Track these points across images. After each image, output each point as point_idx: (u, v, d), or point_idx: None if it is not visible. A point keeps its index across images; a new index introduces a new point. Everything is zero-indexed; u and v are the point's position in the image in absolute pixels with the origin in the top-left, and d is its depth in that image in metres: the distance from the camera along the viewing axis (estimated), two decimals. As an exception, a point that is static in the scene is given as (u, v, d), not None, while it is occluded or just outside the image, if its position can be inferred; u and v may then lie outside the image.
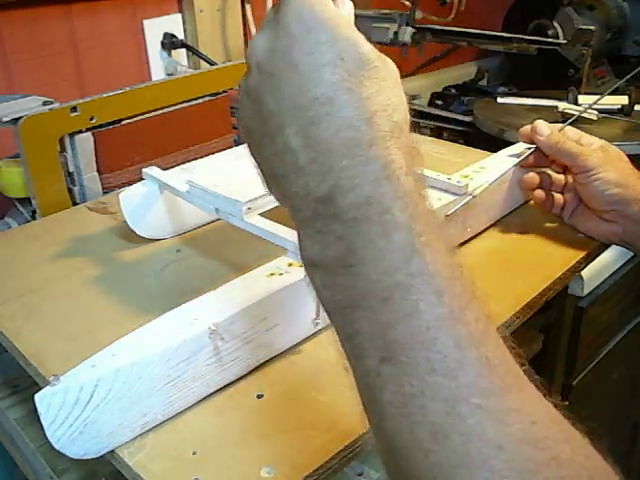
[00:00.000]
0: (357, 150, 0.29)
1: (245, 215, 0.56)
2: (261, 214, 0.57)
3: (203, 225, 0.72)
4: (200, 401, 0.46)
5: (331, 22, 0.30)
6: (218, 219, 0.62)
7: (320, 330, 0.52)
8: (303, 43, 0.30)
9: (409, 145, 0.31)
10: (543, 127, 0.64)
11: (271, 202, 0.58)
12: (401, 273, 0.28)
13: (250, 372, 0.49)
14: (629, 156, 0.95)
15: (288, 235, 0.53)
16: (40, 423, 0.40)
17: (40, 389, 0.40)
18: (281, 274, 0.50)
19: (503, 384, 0.27)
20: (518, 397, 0.27)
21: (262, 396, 0.47)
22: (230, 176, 0.61)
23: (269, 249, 0.54)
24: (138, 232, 0.67)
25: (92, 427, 0.41)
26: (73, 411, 0.40)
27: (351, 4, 0.35)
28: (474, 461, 0.26)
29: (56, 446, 0.41)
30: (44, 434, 0.40)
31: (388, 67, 0.32)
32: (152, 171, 0.67)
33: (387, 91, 0.31)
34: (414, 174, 0.30)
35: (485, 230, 0.68)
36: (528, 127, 0.66)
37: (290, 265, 0.51)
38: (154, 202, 0.67)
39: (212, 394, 0.47)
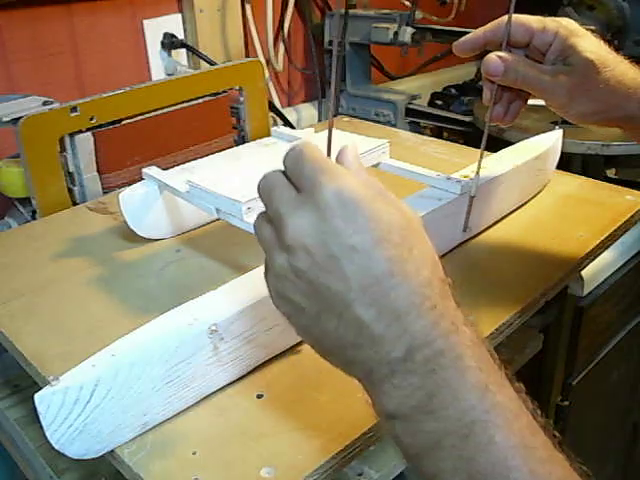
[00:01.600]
0: (427, 311, 0.32)
1: (245, 215, 0.56)
2: (261, 214, 0.57)
3: (203, 225, 0.72)
4: (200, 401, 0.46)
5: (367, 198, 0.33)
6: (218, 219, 0.62)
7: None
8: (353, 224, 0.32)
9: (450, 292, 0.34)
10: (493, 67, 0.52)
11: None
12: (477, 410, 0.31)
13: (250, 372, 0.49)
14: (629, 156, 0.95)
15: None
16: (40, 423, 0.40)
17: (40, 389, 0.40)
18: (281, 274, 0.50)
19: None
20: None
21: (262, 396, 0.47)
22: (230, 176, 0.61)
23: (269, 249, 0.54)
24: (138, 232, 0.67)
25: (92, 427, 0.41)
26: (73, 411, 0.40)
27: (355, 149, 0.36)
28: None
29: (56, 446, 0.41)
30: (44, 434, 0.40)
31: (416, 221, 0.35)
32: (152, 171, 0.67)
33: (427, 249, 0.34)
34: (469, 323, 0.34)
35: (485, 230, 0.68)
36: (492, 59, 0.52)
37: (290, 265, 0.51)
38: (154, 202, 0.67)
39: (212, 394, 0.47)
